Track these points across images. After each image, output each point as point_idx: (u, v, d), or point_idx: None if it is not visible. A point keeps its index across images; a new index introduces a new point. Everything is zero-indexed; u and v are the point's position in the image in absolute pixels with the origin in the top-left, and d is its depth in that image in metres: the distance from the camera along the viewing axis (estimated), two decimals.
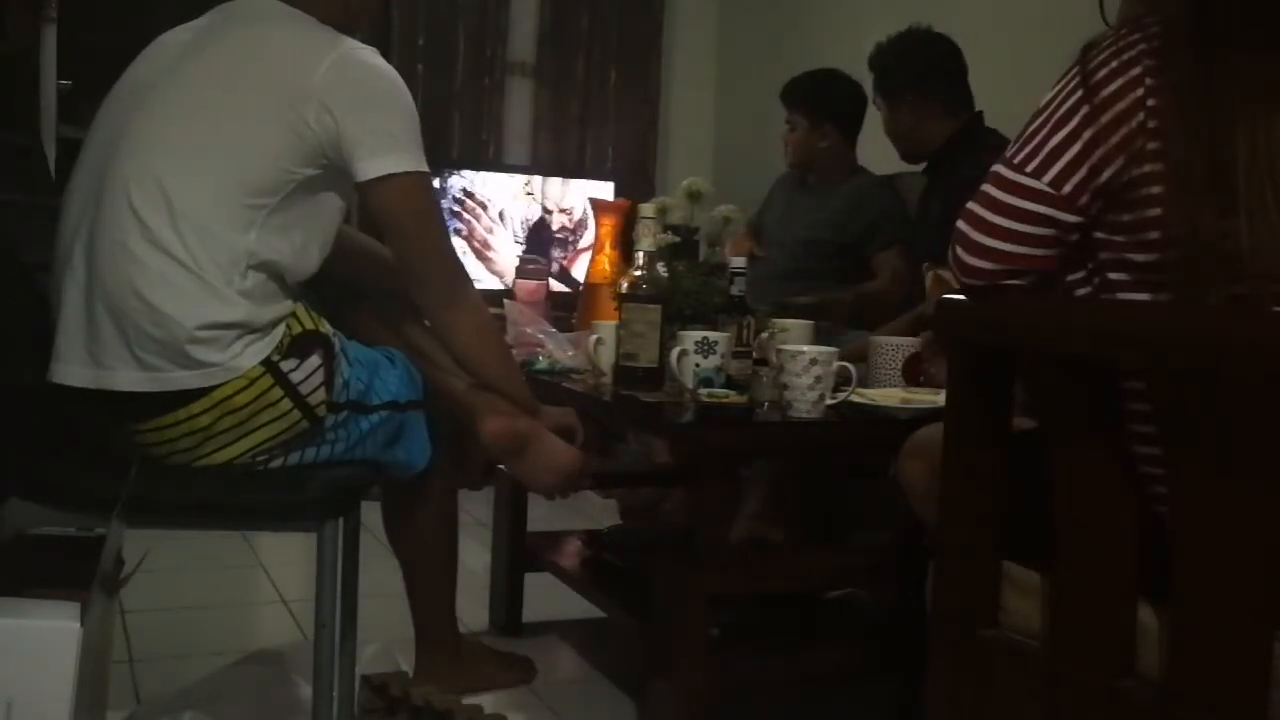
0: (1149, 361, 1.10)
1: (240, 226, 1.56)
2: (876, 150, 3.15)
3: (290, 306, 1.64)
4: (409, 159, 1.67)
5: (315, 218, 1.65)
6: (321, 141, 1.60)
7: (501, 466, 1.98)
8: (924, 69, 2.75)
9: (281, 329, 1.61)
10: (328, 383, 1.63)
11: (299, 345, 1.62)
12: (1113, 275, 1.20)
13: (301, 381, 1.60)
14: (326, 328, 1.67)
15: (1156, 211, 1.14)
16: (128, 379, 1.54)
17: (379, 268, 1.87)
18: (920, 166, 2.85)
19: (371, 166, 1.63)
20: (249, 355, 1.57)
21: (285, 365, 1.60)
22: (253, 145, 1.58)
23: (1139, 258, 1.17)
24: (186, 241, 1.53)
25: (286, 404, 1.59)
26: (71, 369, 1.56)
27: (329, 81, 1.60)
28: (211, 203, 1.56)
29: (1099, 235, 1.20)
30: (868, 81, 3.08)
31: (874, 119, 3.08)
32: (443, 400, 1.83)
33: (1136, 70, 1.15)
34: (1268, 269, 1.08)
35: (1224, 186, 1.09)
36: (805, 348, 1.82)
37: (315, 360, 1.62)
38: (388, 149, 1.64)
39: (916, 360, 2.06)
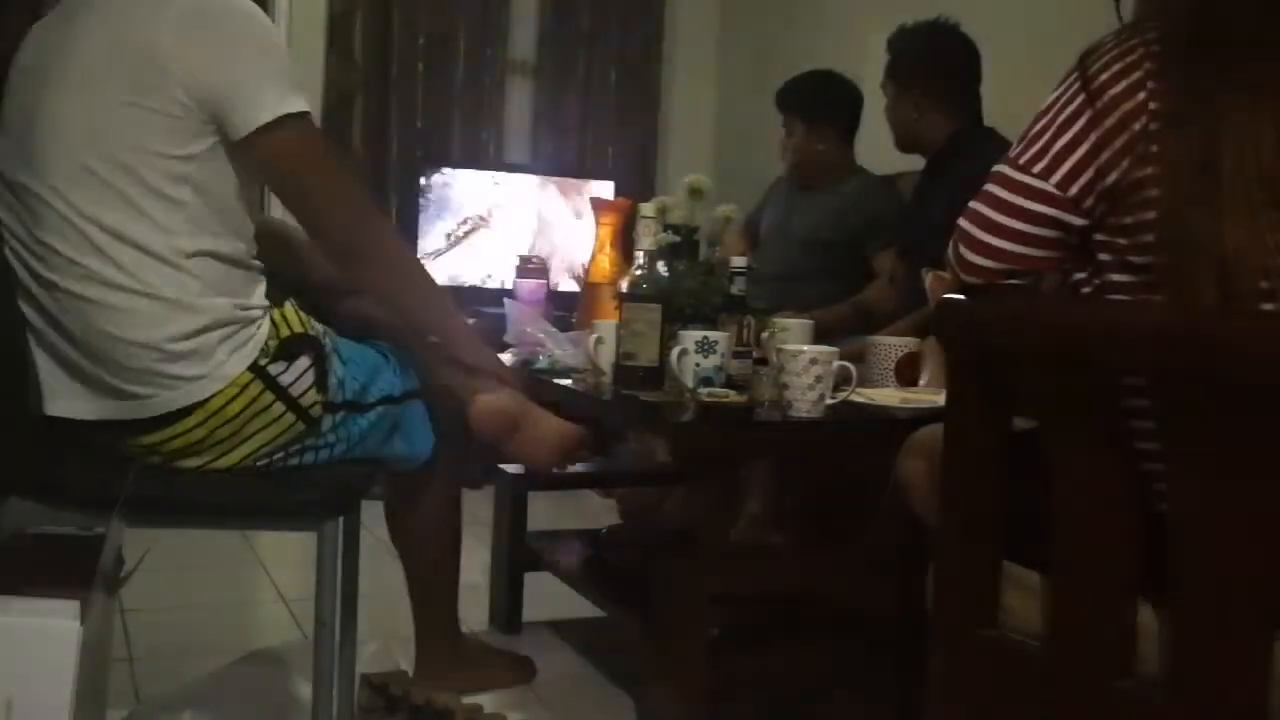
0: (1148, 361, 1.10)
1: (162, 230, 1.50)
2: (877, 150, 3.15)
3: (259, 282, 1.60)
4: (287, 100, 1.53)
5: (229, 182, 1.55)
6: (194, 109, 1.49)
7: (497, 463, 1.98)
8: (941, 66, 2.74)
9: (264, 328, 1.58)
10: (319, 384, 1.61)
11: (287, 348, 1.60)
12: (1114, 277, 1.20)
13: (292, 384, 1.59)
14: (316, 329, 1.65)
15: (1154, 214, 1.14)
16: (119, 409, 1.52)
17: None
18: (909, 155, 2.86)
19: (247, 118, 1.50)
20: (234, 361, 1.54)
21: (274, 369, 1.58)
22: (136, 149, 1.50)
23: (1138, 259, 1.17)
24: (125, 267, 1.50)
25: (279, 408, 1.58)
26: (59, 403, 1.54)
27: (181, 38, 1.48)
28: (129, 220, 1.50)
29: (1100, 238, 1.20)
30: (865, 80, 3.08)
31: (872, 119, 3.09)
32: (439, 390, 1.82)
33: (1139, 74, 1.15)
34: (1252, 270, 1.08)
35: (1211, 188, 1.10)
36: (805, 347, 1.82)
37: (304, 362, 1.61)
38: (260, 93, 1.51)
39: (911, 360, 2.06)
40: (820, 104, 3.17)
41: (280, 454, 1.62)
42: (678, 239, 2.20)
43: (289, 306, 1.64)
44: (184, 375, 1.52)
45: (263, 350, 1.57)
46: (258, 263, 1.63)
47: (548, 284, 2.53)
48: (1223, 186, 1.09)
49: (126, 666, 2.12)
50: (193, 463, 1.58)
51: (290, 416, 1.59)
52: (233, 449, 1.58)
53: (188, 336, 1.52)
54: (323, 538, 1.57)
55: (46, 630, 1.27)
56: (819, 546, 2.32)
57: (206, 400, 1.53)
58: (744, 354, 1.98)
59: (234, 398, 1.55)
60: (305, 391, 1.60)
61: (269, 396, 1.57)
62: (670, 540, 2.20)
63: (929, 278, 2.05)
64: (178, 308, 1.51)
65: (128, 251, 1.50)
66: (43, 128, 1.53)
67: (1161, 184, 1.13)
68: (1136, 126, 1.14)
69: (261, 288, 1.62)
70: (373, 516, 1.97)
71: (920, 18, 2.80)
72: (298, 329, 1.62)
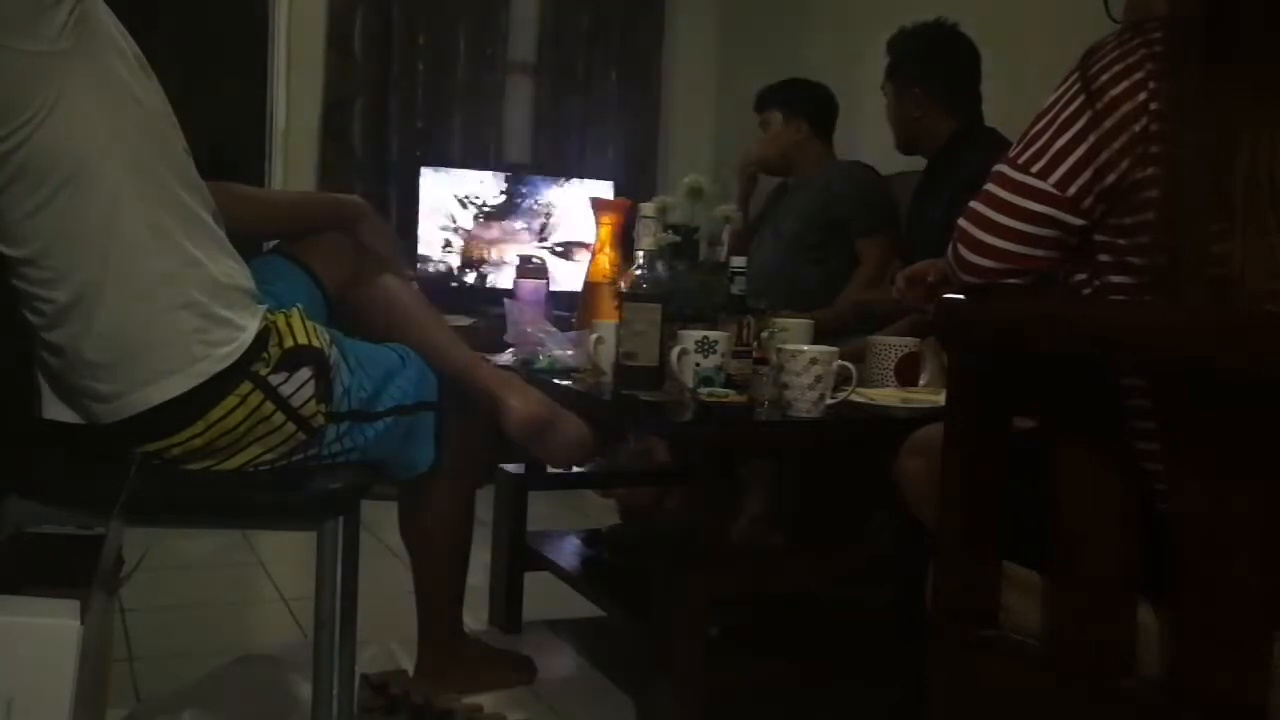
0: (1148, 360, 1.10)
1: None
2: (877, 150, 3.15)
3: (243, 284, 1.58)
4: None
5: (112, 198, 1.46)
6: None
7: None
8: (941, 67, 2.75)
9: (247, 334, 1.55)
10: (320, 395, 1.60)
11: (289, 359, 1.58)
12: (1114, 278, 1.20)
13: (292, 394, 1.57)
14: (321, 339, 1.62)
15: (1152, 215, 1.14)
16: (109, 410, 1.51)
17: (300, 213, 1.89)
18: (909, 158, 2.87)
19: None
20: (211, 362, 1.51)
21: (275, 379, 1.56)
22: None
23: (1138, 260, 1.17)
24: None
25: (280, 418, 1.56)
26: (57, 407, 1.54)
27: None
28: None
29: (1100, 238, 1.20)
30: (865, 81, 3.09)
31: (873, 119, 3.09)
32: (462, 388, 1.82)
33: (1140, 74, 1.15)
34: (1259, 288, 1.08)
35: (1221, 199, 1.09)
36: (805, 347, 1.82)
37: (305, 373, 1.58)
38: None
39: (911, 360, 2.06)
40: (795, 96, 3.29)
41: (284, 461, 1.61)
42: (678, 239, 2.20)
43: (295, 315, 1.61)
44: (156, 368, 1.49)
45: (264, 360, 1.55)
46: (247, 277, 1.61)
47: (548, 284, 2.53)
48: (1235, 201, 1.08)
49: (126, 665, 2.12)
50: (195, 467, 1.57)
51: (291, 426, 1.58)
52: (235, 454, 1.57)
53: (159, 324, 1.49)
54: (323, 538, 1.57)
55: (46, 630, 1.27)
56: (819, 546, 2.32)
57: (209, 409, 1.52)
58: (744, 354, 1.98)
59: (234, 408, 1.53)
60: (306, 402, 1.58)
61: (269, 406, 1.55)
62: (670, 540, 2.20)
63: (899, 279, 2.04)
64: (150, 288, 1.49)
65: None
66: None
67: (1162, 185, 1.13)
68: (1137, 127, 1.14)
69: (243, 290, 1.59)
70: (373, 516, 1.97)
71: (920, 18, 2.80)
72: (301, 340, 1.59)
